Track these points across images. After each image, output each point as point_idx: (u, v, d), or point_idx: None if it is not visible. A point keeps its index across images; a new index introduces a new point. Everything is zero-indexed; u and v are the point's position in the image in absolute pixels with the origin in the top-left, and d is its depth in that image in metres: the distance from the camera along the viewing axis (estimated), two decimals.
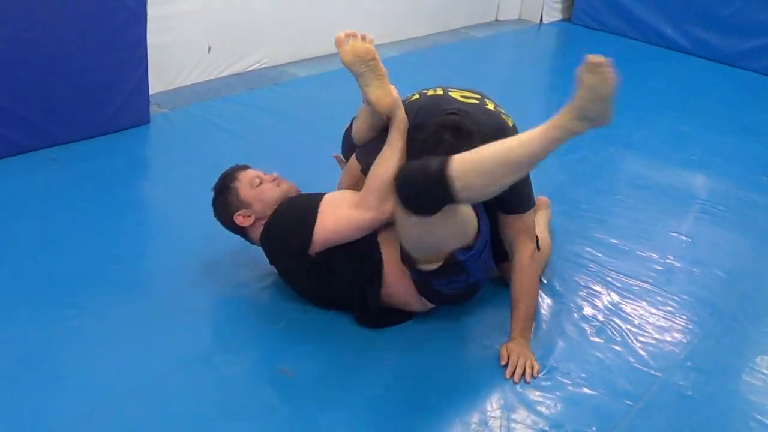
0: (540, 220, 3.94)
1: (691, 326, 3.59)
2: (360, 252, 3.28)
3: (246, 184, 3.39)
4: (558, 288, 3.76)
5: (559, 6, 8.68)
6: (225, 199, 3.41)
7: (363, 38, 3.25)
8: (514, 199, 3.36)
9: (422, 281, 3.27)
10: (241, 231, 3.45)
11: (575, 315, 3.59)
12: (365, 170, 3.36)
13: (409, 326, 3.41)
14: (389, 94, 3.29)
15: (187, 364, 3.10)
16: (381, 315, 3.37)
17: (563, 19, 8.69)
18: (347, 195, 3.36)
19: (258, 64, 6.17)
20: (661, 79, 7.15)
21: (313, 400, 2.97)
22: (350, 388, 3.05)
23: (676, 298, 3.78)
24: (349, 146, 3.68)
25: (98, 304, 3.36)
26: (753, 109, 6.61)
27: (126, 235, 3.90)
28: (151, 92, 5.04)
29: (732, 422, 3.10)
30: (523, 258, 3.41)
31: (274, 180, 3.44)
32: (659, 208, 4.65)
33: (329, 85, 6.00)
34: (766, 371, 3.36)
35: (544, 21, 8.56)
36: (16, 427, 2.73)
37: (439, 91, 3.57)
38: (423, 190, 2.90)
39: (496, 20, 8.53)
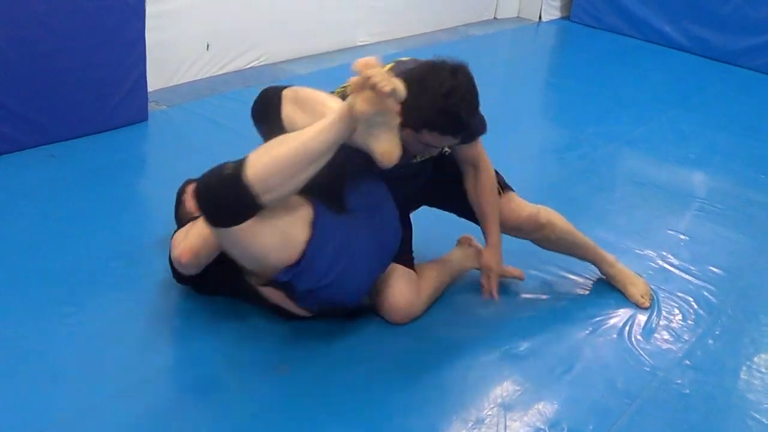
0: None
1: (688, 324, 3.59)
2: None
3: None
4: (556, 286, 3.76)
5: (557, 4, 8.68)
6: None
7: (386, 85, 2.61)
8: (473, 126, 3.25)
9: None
10: None
11: (573, 313, 3.60)
12: None
13: (407, 324, 3.42)
14: (398, 147, 2.82)
15: (184, 361, 3.11)
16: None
17: (562, 18, 8.69)
18: None
19: (257, 62, 6.17)
20: (660, 76, 7.15)
21: (309, 398, 2.97)
22: (347, 386, 3.05)
23: (673, 296, 3.78)
24: None
25: (97, 302, 3.36)
26: (751, 107, 6.62)
27: (125, 233, 3.90)
28: (149, 89, 5.04)
29: (730, 420, 3.10)
30: (488, 171, 3.48)
31: None
32: (658, 205, 4.65)
33: (328, 83, 5.95)
34: (764, 369, 3.36)
35: (543, 19, 8.56)
36: (14, 424, 2.73)
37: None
38: (222, 200, 2.71)
39: (495, 18, 8.52)
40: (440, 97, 2.90)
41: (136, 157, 4.79)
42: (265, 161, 2.72)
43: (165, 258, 3.55)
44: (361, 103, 2.66)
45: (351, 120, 2.71)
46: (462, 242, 3.75)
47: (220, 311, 3.40)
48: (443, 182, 3.53)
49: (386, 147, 2.78)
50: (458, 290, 3.66)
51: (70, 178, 4.33)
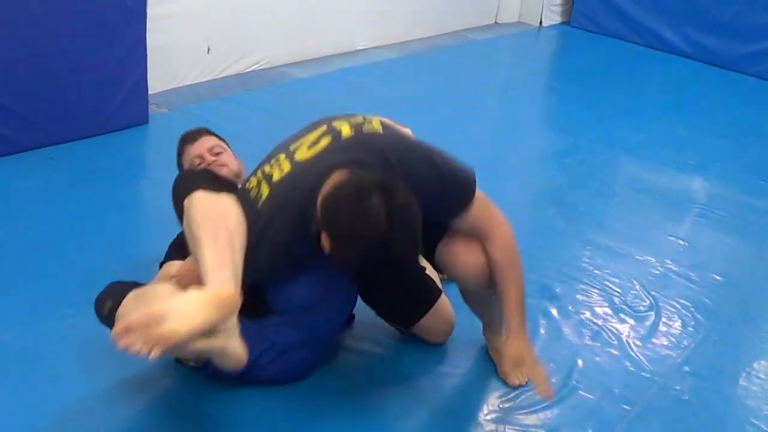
0: None
1: (688, 331, 3.59)
2: None
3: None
4: (555, 291, 3.76)
5: (558, 9, 8.69)
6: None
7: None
8: (452, 200, 2.85)
9: None
10: None
11: (572, 319, 3.59)
12: None
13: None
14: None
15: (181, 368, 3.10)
16: None
17: (563, 23, 8.69)
18: None
19: (257, 65, 6.17)
20: (660, 82, 7.16)
21: (308, 407, 2.96)
22: (345, 391, 3.05)
23: (673, 302, 3.78)
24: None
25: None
26: (752, 113, 6.62)
27: (124, 235, 3.90)
28: (150, 92, 5.04)
29: (729, 427, 3.10)
30: (503, 235, 2.92)
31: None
32: (657, 211, 4.65)
33: (328, 87, 6.01)
34: (763, 376, 3.36)
35: (544, 24, 8.56)
36: (12, 425, 2.73)
37: (286, 166, 2.75)
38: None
39: (496, 23, 8.52)
40: (374, 243, 2.45)
41: (136, 159, 4.78)
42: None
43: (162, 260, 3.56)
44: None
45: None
46: None
47: None
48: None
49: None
50: (456, 293, 3.66)
51: (70, 181, 4.32)
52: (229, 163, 3.41)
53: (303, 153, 2.75)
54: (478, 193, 2.87)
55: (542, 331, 3.49)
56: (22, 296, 3.37)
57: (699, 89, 7.08)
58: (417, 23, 7.53)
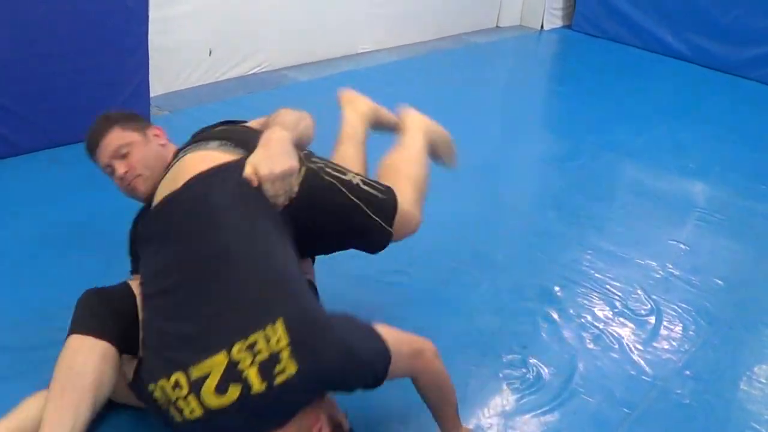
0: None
1: (688, 334, 3.59)
2: None
3: None
4: (556, 295, 3.76)
5: (560, 13, 8.70)
6: None
7: None
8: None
9: None
10: None
11: (573, 322, 3.59)
12: None
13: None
14: None
15: None
16: None
17: (564, 26, 8.70)
18: None
19: (259, 68, 6.18)
20: (661, 86, 7.16)
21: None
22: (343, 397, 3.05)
23: (674, 306, 3.78)
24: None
25: None
26: (752, 118, 6.63)
27: (126, 239, 3.90)
28: (151, 94, 5.04)
29: (729, 430, 3.10)
30: (424, 368, 2.64)
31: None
32: (658, 215, 4.66)
33: (329, 90, 5.97)
34: (763, 380, 3.36)
35: (545, 28, 8.57)
36: None
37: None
38: None
39: (497, 26, 8.54)
40: None
41: None
42: None
43: None
44: None
45: None
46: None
47: None
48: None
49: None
50: (457, 298, 3.67)
51: (71, 183, 4.32)
52: (141, 161, 3.10)
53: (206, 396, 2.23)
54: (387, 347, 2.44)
55: (543, 334, 3.49)
56: (23, 300, 3.37)
57: (700, 93, 7.09)
58: (419, 27, 7.54)
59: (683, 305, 3.79)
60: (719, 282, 4.03)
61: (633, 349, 3.46)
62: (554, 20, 8.67)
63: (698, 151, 5.68)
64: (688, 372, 3.35)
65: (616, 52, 7.96)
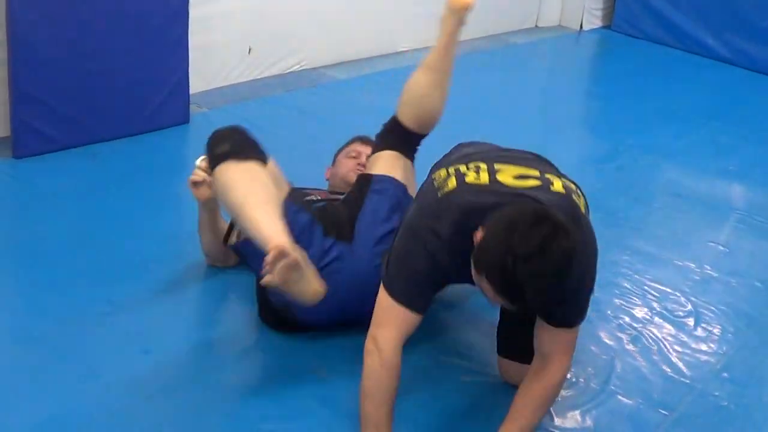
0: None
1: (727, 337, 3.57)
2: None
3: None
4: (594, 296, 3.73)
5: (599, 13, 8.65)
6: None
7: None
8: (568, 307, 2.73)
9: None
10: None
11: (611, 323, 3.58)
12: None
13: (445, 328, 3.42)
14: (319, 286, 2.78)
15: (221, 365, 3.11)
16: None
17: (603, 27, 8.64)
18: None
19: (297, 66, 6.19)
20: (702, 88, 7.11)
21: (346, 402, 2.97)
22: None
23: (712, 308, 3.76)
24: None
25: (133, 301, 3.38)
26: None
27: (164, 234, 3.92)
28: (191, 92, 5.07)
29: None
30: (556, 374, 2.78)
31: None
32: (697, 217, 4.63)
33: (368, 89, 6.01)
34: None
35: (584, 28, 8.52)
36: (47, 420, 2.76)
37: (483, 177, 2.74)
38: None
39: (536, 26, 8.49)
40: (511, 257, 2.32)
41: (176, 158, 4.81)
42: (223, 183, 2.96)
43: (201, 260, 3.60)
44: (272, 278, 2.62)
45: None
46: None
47: (257, 316, 3.41)
48: None
49: (310, 291, 2.75)
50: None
51: (111, 179, 4.36)
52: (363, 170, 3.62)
53: (505, 178, 2.71)
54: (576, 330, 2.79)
55: (581, 335, 3.46)
56: (62, 293, 3.40)
57: (740, 96, 7.03)
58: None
59: (722, 307, 3.77)
60: (758, 284, 4.00)
61: (671, 350, 3.44)
62: (594, 21, 8.62)
63: (738, 153, 5.63)
64: (726, 374, 3.33)
65: (655, 54, 7.90)
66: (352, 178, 3.59)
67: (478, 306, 3.53)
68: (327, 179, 3.90)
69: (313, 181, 3.84)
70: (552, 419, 3.00)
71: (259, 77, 5.92)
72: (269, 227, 2.73)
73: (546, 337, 2.75)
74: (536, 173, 2.76)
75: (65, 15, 4.33)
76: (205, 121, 5.14)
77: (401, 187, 3.38)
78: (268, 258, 2.58)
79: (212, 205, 3.43)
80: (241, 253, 3.45)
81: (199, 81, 5.31)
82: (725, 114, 6.44)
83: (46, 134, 4.44)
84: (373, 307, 2.75)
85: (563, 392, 3.09)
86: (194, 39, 4.98)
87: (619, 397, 3.14)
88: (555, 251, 2.33)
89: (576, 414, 3.04)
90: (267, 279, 2.62)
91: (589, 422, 3.01)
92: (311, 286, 2.74)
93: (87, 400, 2.86)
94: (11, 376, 2.94)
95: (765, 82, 7.43)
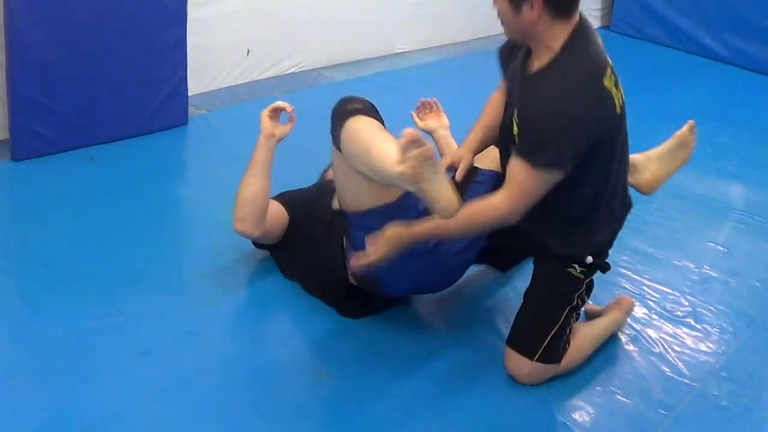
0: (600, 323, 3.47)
1: (726, 337, 3.58)
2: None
3: None
4: (594, 295, 3.74)
5: (598, 14, 8.66)
6: None
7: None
8: (526, 134, 2.88)
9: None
10: None
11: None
12: None
13: (445, 327, 3.43)
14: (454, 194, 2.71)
15: (220, 366, 3.11)
16: (354, 301, 3.41)
17: (602, 27, 8.65)
18: None
19: (296, 68, 6.19)
20: (701, 88, 7.11)
21: (347, 403, 2.98)
22: (384, 393, 3.06)
23: (711, 308, 3.76)
24: None
25: (133, 304, 3.38)
26: None
27: (163, 236, 3.92)
28: (189, 94, 5.06)
29: None
30: (491, 200, 2.91)
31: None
32: (696, 217, 4.63)
33: (366, 89, 5.97)
34: None
35: None
36: (49, 423, 2.76)
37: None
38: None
39: None
40: None
41: (175, 160, 4.81)
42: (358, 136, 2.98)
43: (201, 262, 3.59)
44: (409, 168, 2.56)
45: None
46: (619, 304, 3.56)
47: (256, 316, 3.42)
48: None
49: (447, 197, 2.67)
50: (494, 297, 3.67)
51: (110, 181, 4.35)
52: None
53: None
54: (525, 169, 2.83)
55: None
56: (62, 295, 3.40)
57: (739, 95, 7.03)
58: (456, 27, 7.52)
59: (721, 307, 3.77)
60: (757, 284, 4.01)
61: (670, 350, 3.44)
62: (592, 21, 8.52)
63: (738, 153, 5.63)
64: (725, 374, 3.33)
65: (654, 54, 7.91)
66: None
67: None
68: (327, 180, 3.88)
69: (313, 179, 3.87)
70: (552, 417, 3.00)
71: (257, 79, 5.92)
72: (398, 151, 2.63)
73: (508, 167, 2.93)
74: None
75: (62, 17, 4.32)
76: (203, 122, 5.14)
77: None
78: (402, 141, 2.54)
79: (273, 144, 3.52)
80: (342, 224, 3.32)
81: (197, 82, 5.31)
82: (724, 114, 6.44)
83: (44, 137, 4.44)
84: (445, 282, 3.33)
85: (561, 389, 3.11)
86: (193, 40, 4.98)
87: (619, 397, 3.15)
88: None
89: (576, 414, 3.04)
90: (398, 169, 2.56)
91: (587, 422, 3.01)
92: (448, 190, 2.65)
93: (83, 402, 2.86)
94: (10, 379, 2.94)
95: (764, 82, 7.43)
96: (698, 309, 3.74)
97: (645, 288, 3.86)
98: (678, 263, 4.10)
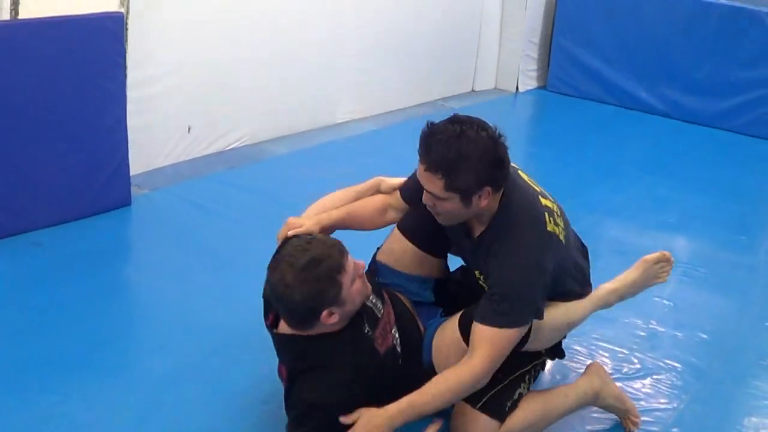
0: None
1: (677, 391, 3.60)
2: None
3: (348, 279, 2.80)
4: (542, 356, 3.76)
5: (534, 74, 8.78)
6: (323, 288, 2.75)
7: None
8: (484, 303, 2.90)
9: None
10: (307, 322, 2.84)
11: (561, 384, 3.58)
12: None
13: None
14: None
15: None
16: None
17: (539, 87, 8.78)
18: None
19: (238, 142, 6.20)
20: (638, 142, 7.23)
21: None
22: None
23: (661, 363, 3.79)
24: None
25: (83, 389, 3.33)
26: (729, 169, 6.70)
27: (110, 319, 3.89)
28: (132, 173, 5.05)
29: None
30: (463, 366, 2.87)
31: (362, 276, 2.90)
32: None
33: (309, 162, 6.04)
34: None
35: (520, 89, 8.65)
36: None
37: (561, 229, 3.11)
38: None
39: (473, 90, 8.60)
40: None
41: (120, 242, 4.79)
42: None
43: (150, 343, 3.56)
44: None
45: None
46: (590, 371, 3.44)
47: (208, 398, 3.39)
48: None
49: None
50: None
51: (54, 265, 4.31)
52: None
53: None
54: (503, 332, 2.85)
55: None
56: (6, 382, 3.35)
57: (677, 147, 7.16)
58: (396, 94, 7.59)
59: (670, 362, 3.81)
60: (704, 336, 4.06)
61: None
62: (529, 82, 8.75)
63: (677, 205, 5.72)
64: (676, 430, 3.35)
65: (591, 111, 8.03)
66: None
67: None
68: None
69: (264, 256, 3.86)
70: None
71: (200, 155, 5.91)
72: None
73: (478, 329, 2.87)
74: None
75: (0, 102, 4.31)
76: (147, 202, 5.13)
77: None
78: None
79: None
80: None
81: (139, 161, 5.30)
82: (662, 166, 6.55)
83: None
84: None
85: None
86: (133, 120, 4.98)
87: None
88: (469, 126, 2.95)
89: None
90: None
91: None
92: None
93: None
94: None
95: (699, 133, 7.58)
96: (648, 365, 3.77)
97: (594, 347, 3.88)
98: (626, 320, 4.13)
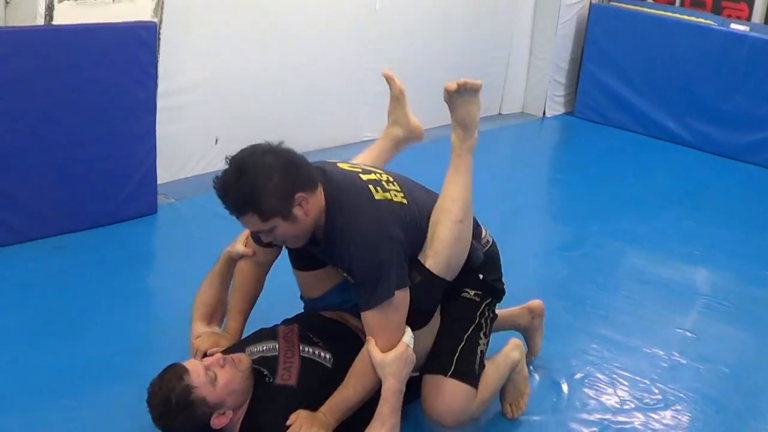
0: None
1: (697, 424, 3.58)
2: None
3: (205, 385, 2.87)
4: (563, 385, 3.74)
5: (562, 100, 8.76)
6: (193, 414, 2.85)
7: None
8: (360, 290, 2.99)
9: None
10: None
11: (580, 414, 3.57)
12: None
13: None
14: None
15: None
16: None
17: (566, 113, 8.75)
18: None
19: None
20: (664, 173, 7.19)
21: None
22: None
23: (682, 395, 3.77)
24: None
25: (99, 397, 3.35)
26: (755, 203, 6.66)
27: (130, 327, 3.90)
28: (158, 182, 5.07)
29: None
30: (364, 353, 3.00)
31: (221, 362, 2.98)
32: (663, 303, 4.65)
33: None
34: None
35: (547, 115, 8.62)
36: None
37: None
38: None
39: (500, 114, 8.59)
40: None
41: (144, 250, 4.80)
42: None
43: (169, 352, 3.55)
44: None
45: None
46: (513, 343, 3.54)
47: None
48: None
49: None
50: None
51: (77, 270, 4.33)
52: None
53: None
54: (386, 305, 2.93)
55: (551, 426, 3.47)
56: (25, 387, 3.37)
57: (703, 179, 7.12)
58: (422, 116, 7.54)
59: (691, 394, 3.78)
60: (726, 370, 4.03)
61: None
62: (556, 107, 8.73)
63: (703, 237, 5.69)
64: None
65: (618, 139, 8.00)
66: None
67: None
68: None
69: (284, 268, 3.86)
70: None
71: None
72: None
73: (364, 319, 2.99)
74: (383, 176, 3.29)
75: (28, 107, 4.34)
76: (172, 211, 5.15)
77: None
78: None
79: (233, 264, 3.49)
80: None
81: (166, 171, 5.33)
82: (689, 198, 6.52)
83: (11, 225, 4.43)
84: None
85: None
86: (161, 129, 5.01)
87: None
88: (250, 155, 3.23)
89: None
90: None
91: None
92: None
93: None
94: None
95: (726, 165, 7.54)
96: (669, 396, 3.74)
97: (615, 376, 3.86)
98: (647, 350, 4.11)
